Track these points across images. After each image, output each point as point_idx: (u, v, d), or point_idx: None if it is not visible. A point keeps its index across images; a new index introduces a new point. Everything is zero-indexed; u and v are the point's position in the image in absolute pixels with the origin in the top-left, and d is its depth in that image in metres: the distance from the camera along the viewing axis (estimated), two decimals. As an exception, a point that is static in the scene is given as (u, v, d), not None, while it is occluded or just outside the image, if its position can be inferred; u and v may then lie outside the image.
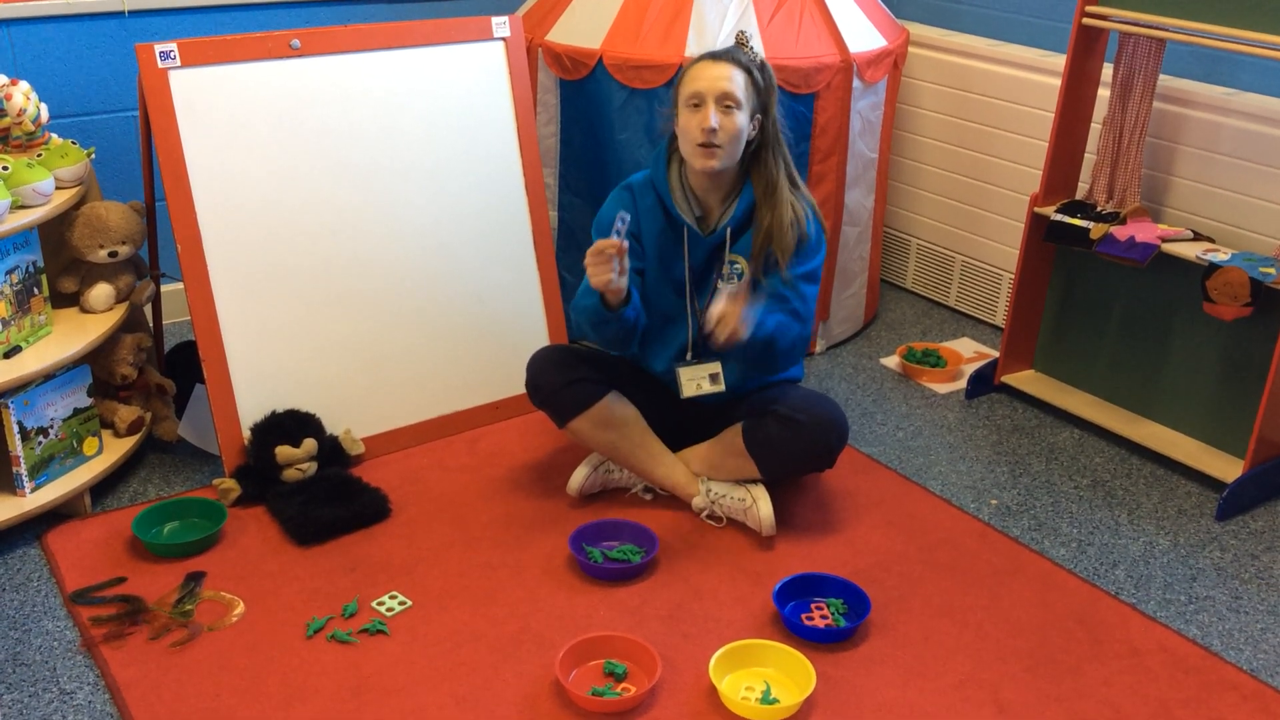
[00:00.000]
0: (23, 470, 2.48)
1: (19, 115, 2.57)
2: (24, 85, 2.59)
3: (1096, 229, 2.92)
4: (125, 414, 2.73)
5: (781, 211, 2.47)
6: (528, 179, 3.03)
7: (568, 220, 3.40)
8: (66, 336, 2.59)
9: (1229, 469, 2.81)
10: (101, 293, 2.68)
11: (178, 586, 2.35)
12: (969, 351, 3.52)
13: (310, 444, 2.64)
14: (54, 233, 2.66)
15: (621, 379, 2.65)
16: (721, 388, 2.61)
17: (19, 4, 3.08)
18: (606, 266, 2.33)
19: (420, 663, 2.18)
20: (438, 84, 2.91)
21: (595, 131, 3.25)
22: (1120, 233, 2.89)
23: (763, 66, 2.51)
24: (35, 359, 2.50)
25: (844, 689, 2.14)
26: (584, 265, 2.36)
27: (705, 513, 2.64)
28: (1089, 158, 3.11)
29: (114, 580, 2.37)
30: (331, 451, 2.73)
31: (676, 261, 2.58)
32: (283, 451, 2.61)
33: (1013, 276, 3.27)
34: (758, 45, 3.02)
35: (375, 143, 2.83)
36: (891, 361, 3.46)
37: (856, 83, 3.22)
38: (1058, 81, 3.02)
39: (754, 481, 2.60)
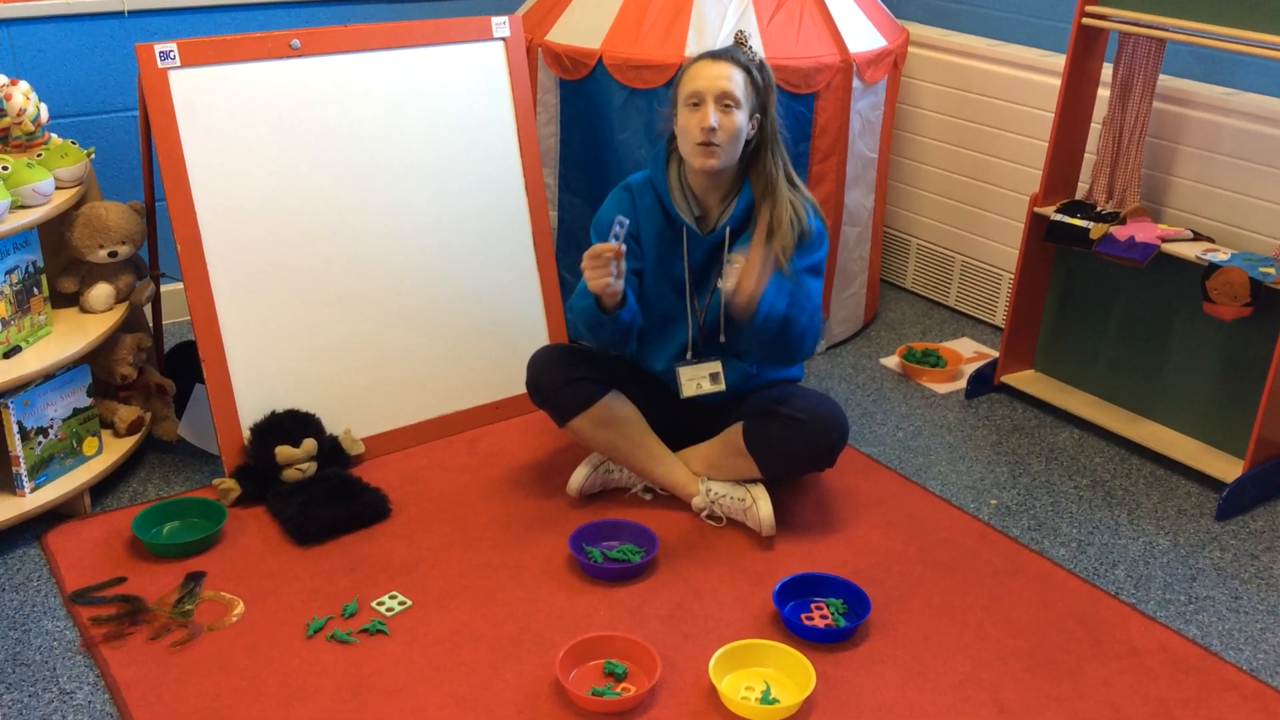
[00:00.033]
0: (22, 470, 2.48)
1: (19, 115, 2.57)
2: (24, 85, 2.59)
3: (1096, 229, 2.92)
4: (125, 414, 2.73)
5: (780, 210, 2.47)
6: (528, 179, 3.03)
7: (568, 220, 3.40)
8: (66, 336, 2.59)
9: (1229, 469, 2.81)
10: (101, 293, 2.68)
11: (178, 586, 2.35)
12: (969, 351, 3.52)
13: (310, 444, 2.64)
14: (54, 233, 2.66)
15: (622, 378, 2.65)
16: (722, 387, 2.61)
17: (19, 4, 3.08)
18: (604, 270, 2.33)
19: (420, 663, 2.18)
20: (438, 84, 2.91)
21: (595, 131, 3.25)
22: (1120, 233, 2.89)
23: (761, 66, 2.51)
24: (35, 359, 2.50)
25: (844, 689, 2.14)
26: (580, 268, 2.36)
27: (705, 513, 2.64)
28: (1089, 158, 3.11)
29: (114, 580, 2.37)
30: (331, 451, 2.73)
31: (676, 261, 2.58)
32: (282, 451, 2.61)
33: (1013, 276, 3.27)
34: (757, 45, 3.02)
35: (375, 143, 2.83)
36: (891, 361, 3.46)
37: (856, 83, 3.22)
38: (1057, 81, 3.02)
39: (754, 481, 2.60)
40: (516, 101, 3.02)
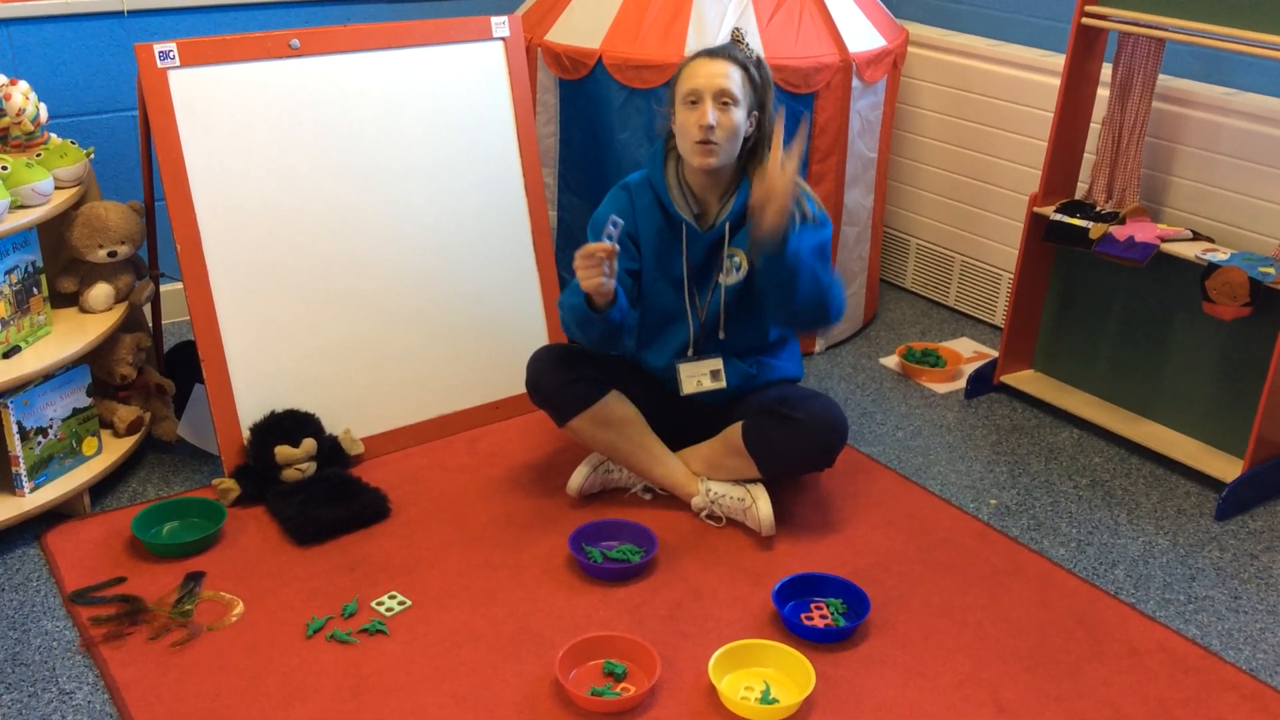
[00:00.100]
0: (22, 470, 2.48)
1: (18, 115, 2.57)
2: (23, 85, 2.59)
3: (1096, 229, 2.92)
4: (125, 414, 2.73)
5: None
6: (527, 179, 3.03)
7: (567, 220, 3.40)
8: (66, 336, 2.59)
9: (1228, 469, 2.81)
10: (101, 293, 2.68)
11: (177, 586, 2.35)
12: (968, 351, 3.52)
13: (310, 444, 2.64)
14: (53, 233, 2.66)
15: (622, 378, 2.65)
16: (722, 384, 2.61)
17: (19, 4, 3.08)
18: (596, 270, 2.33)
19: (420, 663, 2.18)
20: (437, 84, 2.91)
21: (595, 131, 3.25)
22: (1119, 233, 2.89)
23: (759, 63, 2.51)
24: (34, 359, 2.50)
25: (844, 689, 2.14)
26: (573, 266, 2.36)
27: (705, 512, 2.63)
28: (1088, 158, 3.11)
29: (113, 580, 2.37)
30: (331, 451, 2.73)
31: (675, 259, 2.58)
32: (282, 451, 2.61)
33: (1012, 276, 3.27)
34: (756, 44, 3.02)
35: (375, 143, 2.83)
36: (891, 361, 3.46)
37: (856, 82, 3.22)
38: (1057, 81, 3.02)
39: (753, 481, 2.60)
40: (516, 101, 3.02)
